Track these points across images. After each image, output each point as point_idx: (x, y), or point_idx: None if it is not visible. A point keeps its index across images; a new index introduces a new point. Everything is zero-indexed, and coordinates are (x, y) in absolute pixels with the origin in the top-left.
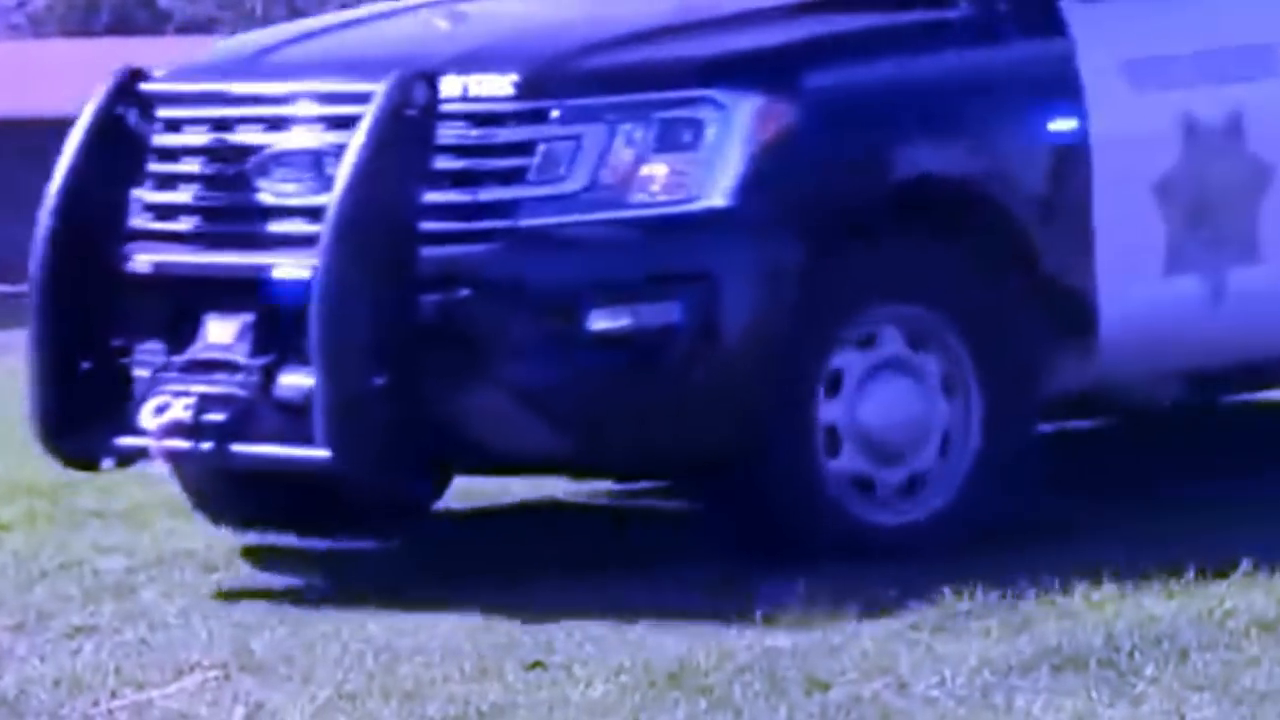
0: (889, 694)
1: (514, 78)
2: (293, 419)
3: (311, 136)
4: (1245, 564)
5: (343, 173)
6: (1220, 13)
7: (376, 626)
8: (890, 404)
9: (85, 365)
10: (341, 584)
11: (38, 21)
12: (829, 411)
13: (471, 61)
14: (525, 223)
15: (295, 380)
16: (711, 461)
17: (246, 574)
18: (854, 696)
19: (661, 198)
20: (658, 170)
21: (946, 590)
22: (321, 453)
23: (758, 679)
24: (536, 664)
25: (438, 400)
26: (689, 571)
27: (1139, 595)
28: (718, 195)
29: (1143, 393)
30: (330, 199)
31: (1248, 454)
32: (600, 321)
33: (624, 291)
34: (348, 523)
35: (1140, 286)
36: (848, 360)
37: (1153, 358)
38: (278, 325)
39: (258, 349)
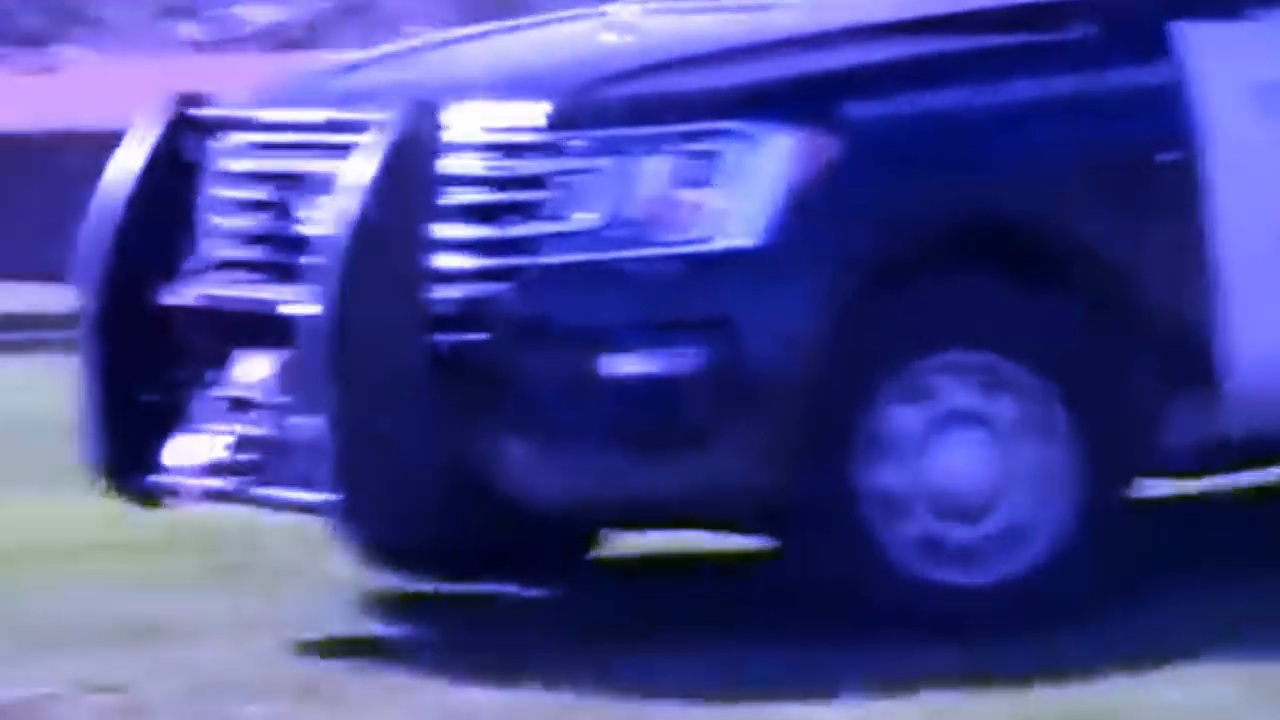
0: None
1: (547, 108)
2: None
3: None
4: None
5: (349, 206)
6: None
7: None
8: (956, 459)
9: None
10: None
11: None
12: (882, 469)
13: (500, 89)
14: (544, 259)
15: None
16: (756, 512)
17: None
18: None
19: (683, 236)
20: (682, 207)
21: None
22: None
23: None
24: None
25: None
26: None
27: None
28: (743, 234)
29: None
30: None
31: None
32: (616, 366)
33: (640, 335)
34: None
35: None
36: (900, 414)
37: None
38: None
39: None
